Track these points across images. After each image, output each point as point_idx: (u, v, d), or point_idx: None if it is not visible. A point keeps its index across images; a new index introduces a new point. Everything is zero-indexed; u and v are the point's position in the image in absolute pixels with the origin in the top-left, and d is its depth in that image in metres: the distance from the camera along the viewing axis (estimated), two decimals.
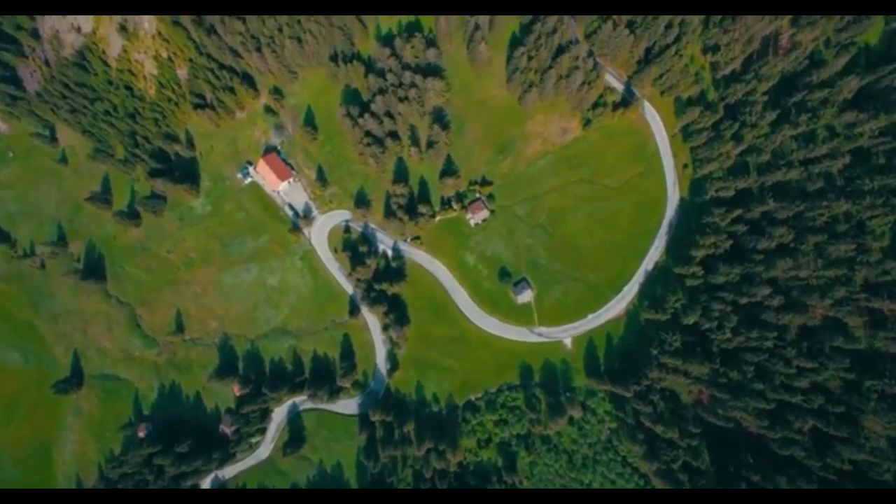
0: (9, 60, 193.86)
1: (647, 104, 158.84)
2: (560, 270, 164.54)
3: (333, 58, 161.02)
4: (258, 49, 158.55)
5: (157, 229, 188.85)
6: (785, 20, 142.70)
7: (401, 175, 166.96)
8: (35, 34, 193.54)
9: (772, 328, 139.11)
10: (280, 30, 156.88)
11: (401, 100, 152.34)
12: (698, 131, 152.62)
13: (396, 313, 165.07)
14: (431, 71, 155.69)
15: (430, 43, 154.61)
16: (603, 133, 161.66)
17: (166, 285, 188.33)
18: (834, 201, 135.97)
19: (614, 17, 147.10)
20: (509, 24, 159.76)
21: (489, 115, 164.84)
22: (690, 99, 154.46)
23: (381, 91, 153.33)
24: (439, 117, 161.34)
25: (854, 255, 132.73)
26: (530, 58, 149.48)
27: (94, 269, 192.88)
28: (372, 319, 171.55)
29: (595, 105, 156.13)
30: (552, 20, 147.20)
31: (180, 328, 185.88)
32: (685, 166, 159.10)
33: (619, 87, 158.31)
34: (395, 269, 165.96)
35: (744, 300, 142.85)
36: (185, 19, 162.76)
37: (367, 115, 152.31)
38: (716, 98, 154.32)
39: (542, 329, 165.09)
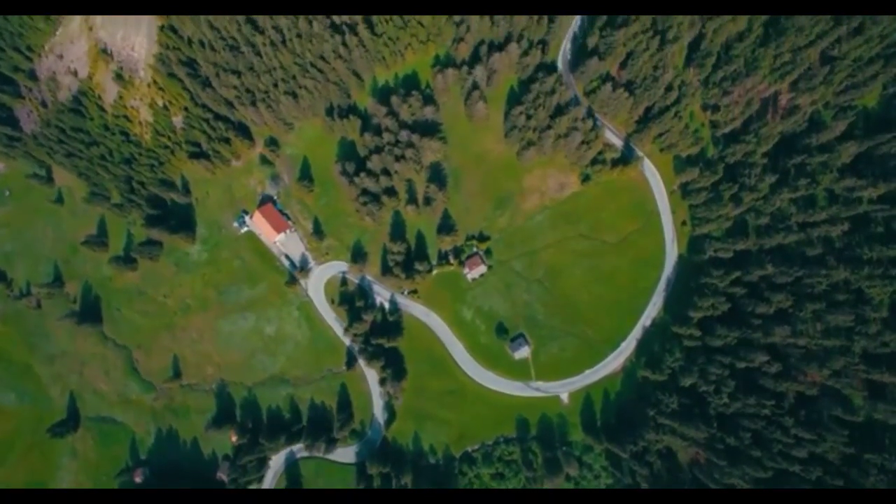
0: (5, 101, 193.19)
1: (646, 160, 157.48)
2: (557, 326, 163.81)
3: (329, 111, 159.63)
4: (253, 103, 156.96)
5: (153, 274, 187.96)
6: (784, 83, 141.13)
7: (398, 228, 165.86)
8: (32, 75, 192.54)
9: (769, 395, 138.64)
10: (275, 84, 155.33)
11: (397, 159, 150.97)
12: (697, 190, 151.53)
13: (393, 368, 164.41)
14: (428, 127, 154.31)
15: (428, 100, 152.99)
16: (601, 188, 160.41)
17: (163, 330, 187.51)
18: (833, 269, 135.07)
19: (613, 78, 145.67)
20: (507, 78, 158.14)
21: (487, 169, 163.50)
22: (690, 157, 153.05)
23: (378, 149, 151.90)
24: (436, 172, 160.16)
25: (853, 326, 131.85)
26: (528, 117, 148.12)
27: (90, 310, 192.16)
28: (369, 370, 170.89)
29: (594, 161, 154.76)
30: (551, 80, 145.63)
31: (177, 373, 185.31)
32: (684, 223, 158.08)
33: (619, 143, 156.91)
34: (392, 323, 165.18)
35: (742, 364, 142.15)
36: (181, 71, 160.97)
37: (363, 174, 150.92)
38: (715, 155, 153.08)
39: (539, 384, 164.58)
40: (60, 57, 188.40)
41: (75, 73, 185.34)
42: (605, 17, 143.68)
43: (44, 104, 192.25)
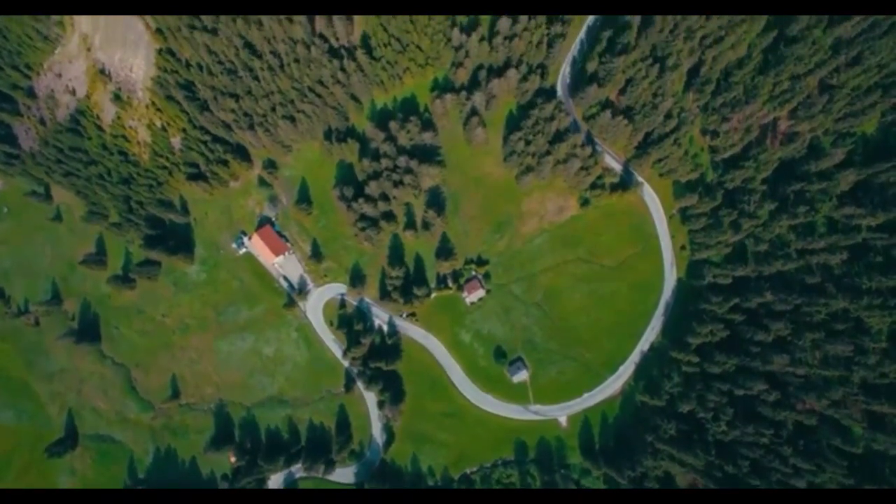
0: (4, 119, 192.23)
1: (645, 185, 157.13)
2: (556, 349, 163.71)
3: (328, 135, 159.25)
4: (251, 127, 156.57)
5: (151, 293, 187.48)
6: (784, 110, 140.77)
7: (396, 252, 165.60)
8: (31, 93, 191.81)
9: (768, 424, 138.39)
10: (273, 109, 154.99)
11: (396, 184, 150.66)
12: (696, 216, 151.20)
13: (392, 391, 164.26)
14: (427, 152, 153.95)
15: (426, 124, 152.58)
16: (600, 212, 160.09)
17: (161, 349, 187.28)
18: (832, 298, 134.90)
19: (612, 104, 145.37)
20: (506, 102, 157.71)
21: (486, 192, 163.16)
22: (689, 182, 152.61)
23: (376, 175, 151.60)
24: (435, 196, 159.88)
25: (852, 356, 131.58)
26: (527, 142, 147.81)
27: (88, 328, 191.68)
28: (368, 393, 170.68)
29: (593, 186, 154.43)
30: (550, 107, 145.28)
31: (176, 393, 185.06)
32: (683, 248, 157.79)
33: (618, 167, 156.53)
34: (390, 346, 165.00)
35: (740, 392, 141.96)
36: (178, 94, 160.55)
37: (361, 200, 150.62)
38: (714, 180, 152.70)
39: (538, 407, 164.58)
40: (59, 76, 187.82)
41: (73, 92, 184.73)
42: (604, 43, 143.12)
43: (42, 122, 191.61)
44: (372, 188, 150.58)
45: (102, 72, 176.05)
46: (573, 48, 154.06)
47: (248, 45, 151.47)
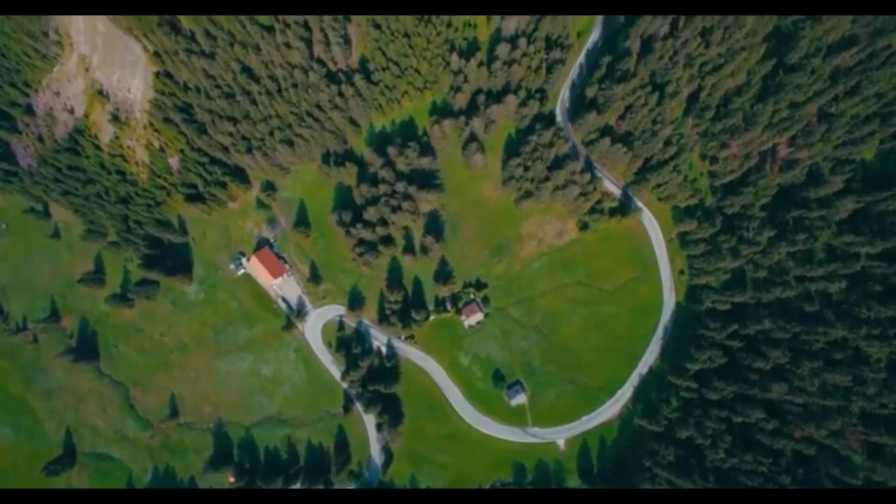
0: (2, 136, 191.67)
1: (644, 209, 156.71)
2: (554, 372, 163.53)
3: (326, 158, 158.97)
4: (249, 150, 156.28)
5: (150, 311, 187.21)
6: (783, 138, 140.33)
7: (395, 274, 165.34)
8: (29, 110, 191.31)
9: (766, 452, 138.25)
10: (271, 133, 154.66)
11: (394, 210, 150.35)
12: (695, 241, 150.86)
13: (390, 413, 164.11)
14: (425, 177, 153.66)
15: (425, 148, 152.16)
16: (599, 236, 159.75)
17: (160, 368, 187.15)
18: (831, 327, 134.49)
19: (612, 129, 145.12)
20: (506, 125, 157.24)
21: (484, 215, 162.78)
22: (689, 207, 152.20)
23: (374, 200, 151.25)
24: (433, 219, 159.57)
25: (850, 386, 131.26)
26: (526, 168, 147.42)
27: (87, 346, 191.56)
28: (367, 415, 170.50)
29: (592, 210, 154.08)
30: (549, 133, 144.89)
31: (174, 412, 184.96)
32: (681, 272, 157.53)
33: (617, 192, 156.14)
34: (389, 369, 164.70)
35: (738, 419, 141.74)
36: (177, 117, 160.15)
37: (359, 226, 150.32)
38: (713, 205, 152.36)
39: (536, 430, 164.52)
40: (57, 94, 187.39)
41: (72, 111, 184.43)
42: (604, 69, 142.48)
43: (40, 139, 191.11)
44: (370, 213, 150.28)
45: (101, 92, 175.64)
46: (572, 72, 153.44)
47: (246, 70, 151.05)
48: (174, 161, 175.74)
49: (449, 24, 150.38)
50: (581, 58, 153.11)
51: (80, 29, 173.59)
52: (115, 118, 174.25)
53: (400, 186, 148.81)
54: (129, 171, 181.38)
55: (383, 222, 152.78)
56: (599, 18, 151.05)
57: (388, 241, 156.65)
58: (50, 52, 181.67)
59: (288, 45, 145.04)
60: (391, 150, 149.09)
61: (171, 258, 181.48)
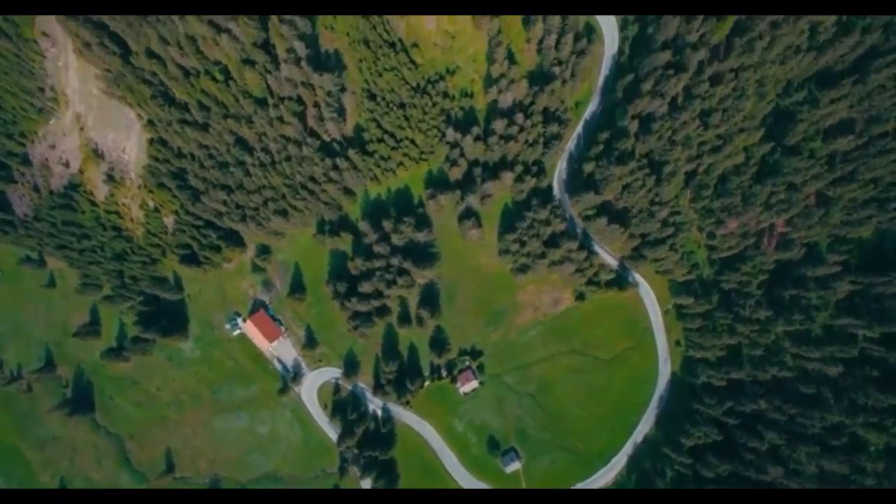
0: None
1: (642, 281, 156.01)
2: (548, 440, 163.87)
3: (321, 227, 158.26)
4: (243, 219, 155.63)
5: (146, 365, 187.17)
6: (780, 219, 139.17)
7: (390, 340, 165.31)
8: (25, 160, 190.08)
9: None
10: (265, 203, 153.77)
11: (389, 284, 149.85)
12: (692, 315, 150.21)
13: (386, 478, 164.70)
14: (421, 248, 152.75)
15: (420, 221, 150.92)
16: (595, 305, 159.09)
17: (156, 422, 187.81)
18: (828, 412, 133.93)
19: (609, 205, 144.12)
20: (502, 197, 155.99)
21: (480, 283, 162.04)
22: (686, 282, 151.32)
23: (370, 273, 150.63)
24: (429, 290, 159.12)
25: (848, 474, 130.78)
26: (522, 244, 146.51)
27: (82, 396, 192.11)
28: (363, 480, 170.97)
29: (589, 282, 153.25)
30: (545, 211, 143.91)
31: (170, 466, 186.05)
32: (678, 343, 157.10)
33: (614, 264, 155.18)
34: (385, 435, 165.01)
35: None
36: (171, 183, 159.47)
37: (354, 299, 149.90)
38: (710, 276, 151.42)
39: None
40: (53, 147, 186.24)
41: (67, 165, 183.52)
42: (601, 146, 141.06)
43: (36, 189, 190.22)
44: (365, 287, 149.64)
45: (96, 151, 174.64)
46: (570, 144, 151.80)
47: (240, 141, 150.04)
48: (169, 220, 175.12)
49: (445, 95, 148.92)
50: (579, 128, 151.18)
51: (76, 89, 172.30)
52: (111, 177, 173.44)
53: (395, 261, 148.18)
54: (125, 227, 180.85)
55: (379, 294, 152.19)
56: (598, 88, 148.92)
57: (383, 311, 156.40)
58: (46, 105, 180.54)
59: (281, 120, 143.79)
60: (387, 225, 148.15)
61: (167, 316, 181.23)
